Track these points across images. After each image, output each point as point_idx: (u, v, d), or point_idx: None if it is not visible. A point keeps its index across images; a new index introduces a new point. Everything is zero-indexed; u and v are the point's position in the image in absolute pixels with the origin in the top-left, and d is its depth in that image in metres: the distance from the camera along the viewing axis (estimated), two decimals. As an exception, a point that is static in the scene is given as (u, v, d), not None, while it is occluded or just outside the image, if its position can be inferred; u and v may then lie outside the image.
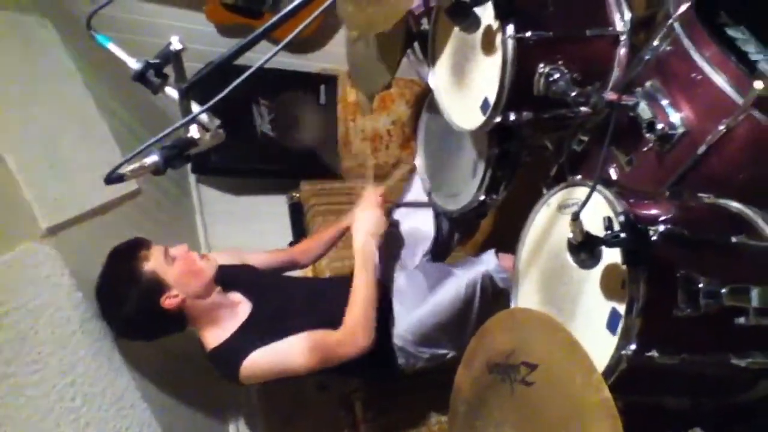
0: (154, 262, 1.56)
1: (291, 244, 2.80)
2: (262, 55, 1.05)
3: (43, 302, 1.34)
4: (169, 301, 1.56)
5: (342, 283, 2.02)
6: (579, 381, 0.94)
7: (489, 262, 1.84)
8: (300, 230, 2.81)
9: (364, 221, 1.79)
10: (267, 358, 1.61)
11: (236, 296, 1.76)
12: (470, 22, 1.47)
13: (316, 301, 1.86)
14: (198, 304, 1.63)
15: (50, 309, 1.35)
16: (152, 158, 1.05)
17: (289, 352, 1.62)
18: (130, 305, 1.53)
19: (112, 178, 1.03)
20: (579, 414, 0.93)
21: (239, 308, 1.74)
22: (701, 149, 1.34)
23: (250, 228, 2.67)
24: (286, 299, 1.82)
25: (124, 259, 1.56)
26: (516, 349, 1.08)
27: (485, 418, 1.13)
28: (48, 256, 1.41)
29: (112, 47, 1.20)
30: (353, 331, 1.65)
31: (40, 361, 1.27)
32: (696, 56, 1.32)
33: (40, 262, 1.38)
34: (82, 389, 1.35)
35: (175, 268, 1.59)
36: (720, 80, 1.29)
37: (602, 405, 0.90)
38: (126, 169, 1.03)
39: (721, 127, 1.29)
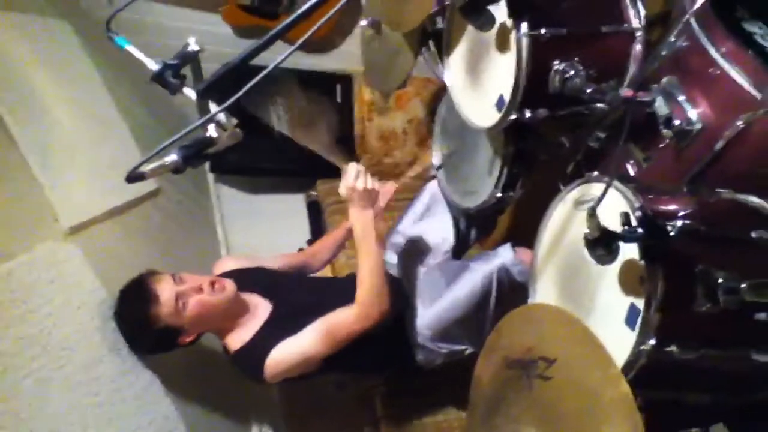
0: (166, 310, 1.52)
1: (309, 242, 2.83)
2: (277, 56, 1.06)
3: (66, 300, 1.36)
4: (185, 339, 1.59)
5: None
6: (597, 375, 0.94)
7: (505, 255, 1.84)
8: (318, 228, 2.83)
9: (352, 201, 1.73)
10: (289, 350, 1.62)
11: (255, 298, 1.77)
12: (484, 21, 1.47)
13: (335, 298, 1.87)
14: (216, 322, 1.66)
15: (73, 307, 1.38)
16: (172, 157, 1.07)
17: (309, 339, 1.63)
18: (148, 344, 1.56)
19: (133, 177, 1.04)
20: (597, 408, 0.93)
21: (259, 310, 1.75)
22: (719, 145, 1.32)
23: (268, 226, 2.70)
24: (305, 297, 1.82)
25: (135, 309, 1.53)
26: (534, 345, 1.08)
27: (504, 415, 1.13)
28: (71, 255, 1.44)
29: (130, 49, 1.22)
30: (367, 302, 1.65)
31: (64, 357, 1.29)
32: (712, 51, 1.31)
33: (63, 261, 1.40)
34: (105, 385, 1.37)
35: (189, 312, 1.56)
36: (737, 75, 1.28)
37: (621, 400, 0.90)
38: (146, 167, 1.05)
39: (739, 123, 1.28)
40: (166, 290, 1.53)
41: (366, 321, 1.65)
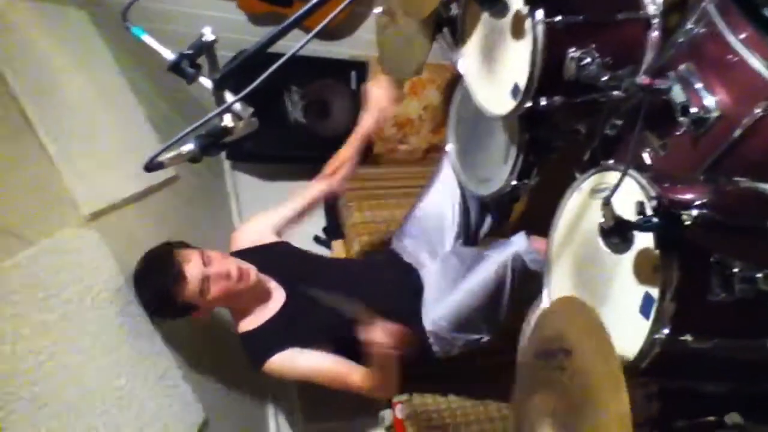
0: (190, 291, 1.54)
1: (324, 229, 2.84)
2: (293, 43, 1.06)
3: (86, 286, 1.39)
4: (198, 315, 1.63)
5: (374, 266, 2.05)
6: (601, 369, 0.94)
7: (519, 243, 1.84)
8: (333, 216, 2.84)
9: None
10: (292, 364, 1.69)
11: (271, 283, 1.79)
12: (499, 8, 1.46)
13: (350, 288, 1.89)
14: (232, 304, 1.73)
15: (93, 292, 1.40)
16: (189, 147, 1.09)
17: (315, 367, 1.71)
18: (159, 311, 1.59)
19: (152, 166, 1.06)
20: (599, 401, 0.94)
21: (273, 296, 1.77)
22: (737, 133, 1.31)
23: (284, 213, 2.70)
24: (322, 288, 1.84)
25: (158, 281, 1.54)
26: (557, 335, 1.09)
27: (536, 409, 1.14)
28: (91, 241, 1.46)
29: (146, 39, 1.23)
30: (376, 388, 1.73)
31: (85, 342, 1.32)
32: (731, 38, 1.30)
33: (83, 247, 1.43)
34: (125, 369, 1.39)
35: (212, 296, 1.58)
36: (756, 62, 1.26)
37: (618, 400, 0.90)
38: (164, 157, 1.06)
39: (758, 110, 1.27)
40: (193, 271, 1.55)
41: (369, 395, 1.76)
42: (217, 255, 1.63)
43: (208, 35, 1.12)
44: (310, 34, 1.06)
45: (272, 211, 1.97)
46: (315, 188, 2.03)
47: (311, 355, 1.72)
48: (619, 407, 0.88)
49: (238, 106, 1.12)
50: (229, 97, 1.13)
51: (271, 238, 1.92)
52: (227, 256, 1.68)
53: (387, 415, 2.01)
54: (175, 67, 1.15)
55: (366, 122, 2.00)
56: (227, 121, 1.13)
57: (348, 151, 2.03)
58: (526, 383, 1.22)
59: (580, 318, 1.06)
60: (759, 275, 1.07)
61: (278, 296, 1.79)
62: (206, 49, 1.13)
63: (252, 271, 1.67)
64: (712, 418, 1.28)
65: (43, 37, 1.77)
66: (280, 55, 1.05)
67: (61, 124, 1.59)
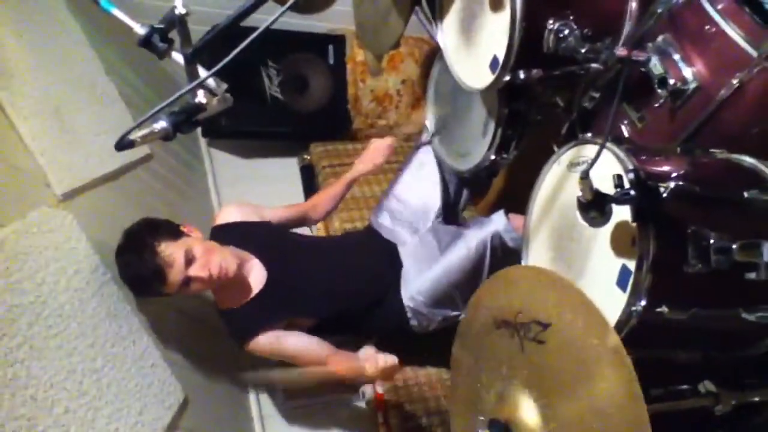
0: (168, 289, 1.54)
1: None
2: (268, 17, 1.04)
3: (61, 267, 1.36)
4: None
5: (353, 242, 2.06)
6: (594, 343, 0.95)
7: (498, 222, 1.85)
8: (312, 192, 2.82)
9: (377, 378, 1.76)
10: (278, 347, 1.70)
11: (252, 262, 1.78)
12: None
13: (333, 263, 1.90)
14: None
15: (68, 273, 1.38)
16: (161, 124, 1.07)
17: (300, 352, 1.72)
18: (136, 290, 1.57)
19: (123, 144, 1.04)
20: (595, 373, 0.95)
21: (254, 273, 1.77)
22: (714, 104, 1.32)
23: (262, 190, 2.68)
24: (303, 266, 1.85)
25: (137, 272, 1.52)
26: (525, 308, 1.09)
27: (491, 372, 1.16)
28: (64, 221, 1.43)
29: (116, 13, 1.20)
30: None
31: (60, 324, 1.29)
32: (709, 8, 1.30)
33: (56, 228, 1.40)
34: (103, 350, 1.38)
35: (191, 291, 1.60)
36: (733, 33, 1.27)
37: (617, 366, 0.91)
38: (136, 135, 1.04)
39: (735, 81, 1.28)
40: (175, 276, 1.53)
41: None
42: (200, 249, 1.59)
43: (180, 8, 1.10)
44: (284, 6, 1.04)
45: (256, 206, 1.99)
46: (296, 209, 2.09)
47: (298, 337, 1.74)
48: (623, 377, 0.90)
49: (211, 82, 1.10)
50: (202, 72, 1.11)
51: (254, 219, 1.92)
52: (210, 249, 1.63)
53: (368, 390, 2.03)
54: (146, 42, 1.13)
55: (357, 169, 2.09)
56: (200, 97, 1.11)
57: (335, 189, 2.12)
58: (477, 352, 1.24)
59: (555, 291, 1.06)
60: (734, 246, 1.08)
61: (259, 274, 1.78)
62: (178, 22, 1.11)
63: (232, 265, 1.64)
64: (686, 386, 1.31)
65: (7, 13, 1.72)
66: (255, 30, 1.02)
67: (30, 104, 1.54)
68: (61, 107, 1.68)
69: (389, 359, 1.63)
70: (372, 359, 1.63)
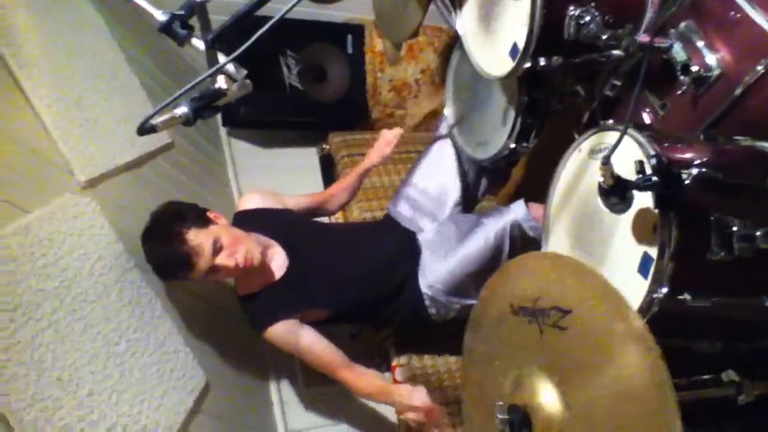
0: (194, 276, 1.58)
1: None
2: (286, 5, 1.04)
3: (84, 253, 1.38)
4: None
5: (372, 231, 2.07)
6: (618, 328, 0.95)
7: (518, 211, 1.84)
8: (331, 182, 2.82)
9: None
10: (295, 339, 1.72)
11: (274, 246, 1.80)
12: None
13: (352, 251, 1.93)
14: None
15: (92, 259, 1.40)
16: (182, 109, 1.07)
17: (312, 351, 1.75)
18: (161, 274, 1.61)
19: (145, 129, 1.05)
20: (618, 358, 0.95)
21: (275, 260, 1.78)
22: (738, 91, 1.30)
23: (281, 180, 2.70)
24: (323, 254, 1.87)
25: (163, 259, 1.57)
26: (544, 294, 1.09)
27: (507, 359, 1.16)
28: (87, 208, 1.45)
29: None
30: (358, 391, 1.83)
31: (85, 309, 1.32)
32: (734, -7, 1.28)
33: (80, 214, 1.42)
34: (126, 335, 1.40)
35: (215, 279, 1.65)
36: (760, 18, 1.24)
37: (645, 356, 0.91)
38: (157, 120, 1.05)
39: (760, 68, 1.25)
40: (202, 264, 1.56)
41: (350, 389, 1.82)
42: (227, 238, 1.61)
43: (200, -5, 1.10)
44: (303, -7, 1.04)
45: (277, 194, 2.02)
46: (315, 198, 2.11)
47: (315, 336, 1.75)
48: (649, 362, 0.90)
49: (231, 68, 1.10)
50: (221, 58, 1.12)
51: (277, 206, 1.95)
52: (238, 238, 1.65)
53: (387, 378, 2.03)
54: (166, 28, 1.14)
55: (369, 160, 2.10)
56: (220, 82, 1.11)
57: (348, 180, 2.14)
58: (491, 338, 1.24)
59: (576, 277, 1.06)
60: (758, 233, 1.07)
61: (280, 260, 1.80)
62: (198, 9, 1.11)
63: (257, 254, 1.66)
64: (708, 376, 1.30)
65: (32, 4, 1.74)
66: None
67: (54, 92, 1.57)
68: (84, 96, 1.70)
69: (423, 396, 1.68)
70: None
